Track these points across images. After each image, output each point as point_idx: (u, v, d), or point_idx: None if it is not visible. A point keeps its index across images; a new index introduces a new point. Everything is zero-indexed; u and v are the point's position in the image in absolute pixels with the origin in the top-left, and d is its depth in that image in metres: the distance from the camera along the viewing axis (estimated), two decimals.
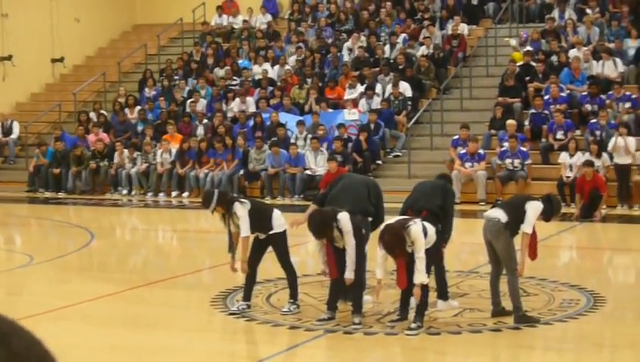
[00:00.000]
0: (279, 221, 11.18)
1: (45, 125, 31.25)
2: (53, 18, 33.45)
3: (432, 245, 10.15)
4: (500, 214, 10.42)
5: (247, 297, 11.22)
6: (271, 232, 11.05)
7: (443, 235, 11.04)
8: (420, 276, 9.84)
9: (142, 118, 28.61)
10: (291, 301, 11.09)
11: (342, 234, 10.33)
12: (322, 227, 10.34)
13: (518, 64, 26.20)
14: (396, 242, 9.87)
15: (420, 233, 9.90)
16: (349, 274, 10.33)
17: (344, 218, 10.32)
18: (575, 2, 29.15)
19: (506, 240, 10.38)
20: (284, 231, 11.18)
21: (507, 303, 10.56)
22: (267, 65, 29.71)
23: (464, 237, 18.21)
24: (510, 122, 23.37)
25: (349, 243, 10.31)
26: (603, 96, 24.05)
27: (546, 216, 10.65)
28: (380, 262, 10.14)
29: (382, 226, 10.38)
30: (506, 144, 22.93)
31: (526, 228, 10.37)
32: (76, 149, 27.24)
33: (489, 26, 30.09)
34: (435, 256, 10.52)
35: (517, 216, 10.39)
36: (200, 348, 9.89)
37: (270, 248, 11.25)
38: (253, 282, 11.28)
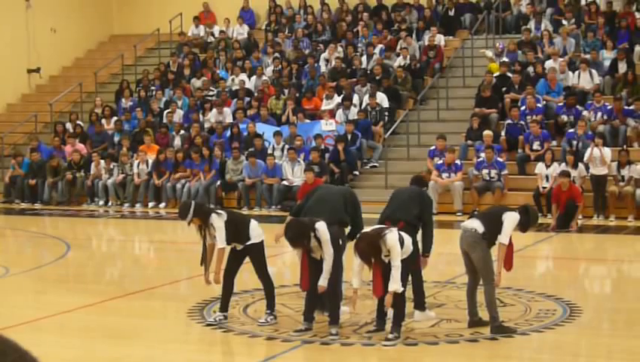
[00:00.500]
0: (256, 231, 11.17)
1: (21, 136, 31.13)
2: (30, 28, 33.34)
3: (408, 255, 10.17)
4: (476, 225, 10.45)
5: (224, 308, 11.20)
6: (248, 243, 11.04)
7: (424, 245, 11.08)
8: (395, 284, 9.86)
9: (118, 128, 28.55)
10: (268, 312, 11.09)
11: (320, 243, 10.33)
12: (299, 236, 10.34)
13: (494, 75, 26.31)
14: (372, 250, 9.89)
15: (397, 241, 9.92)
16: (323, 282, 10.31)
17: (322, 227, 10.33)
18: (551, 13, 29.31)
19: (482, 250, 10.41)
20: (262, 242, 11.17)
21: (484, 314, 10.59)
22: (243, 76, 29.71)
23: (441, 248, 18.21)
24: (487, 133, 23.45)
25: (328, 252, 10.31)
26: (580, 108, 24.17)
27: (523, 226, 10.69)
28: (356, 271, 10.15)
29: (358, 235, 10.40)
30: (482, 155, 23.01)
31: (503, 239, 10.40)
32: (52, 160, 27.14)
33: (465, 37, 30.19)
34: (411, 266, 10.55)
35: (494, 227, 10.42)
36: (177, 359, 9.87)
37: (247, 259, 11.24)
38: (230, 293, 11.26)
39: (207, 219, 10.96)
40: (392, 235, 9.95)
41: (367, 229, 10.29)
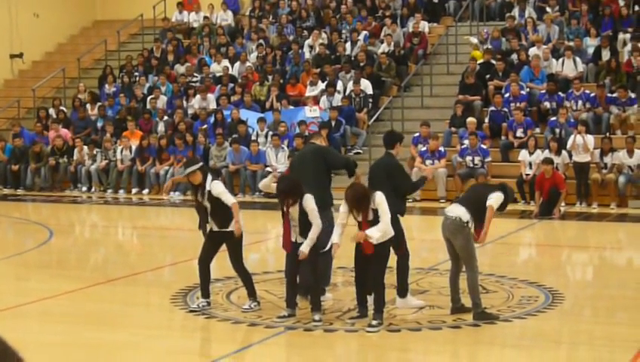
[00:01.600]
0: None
1: (4, 121, 31.03)
2: (12, 13, 33.20)
3: (391, 238, 10.20)
4: (461, 212, 10.43)
5: (205, 294, 11.18)
6: (228, 229, 10.99)
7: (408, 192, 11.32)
8: (375, 231, 9.89)
9: (102, 114, 28.46)
10: (251, 298, 11.08)
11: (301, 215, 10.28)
12: (292, 190, 10.31)
13: (478, 62, 26.32)
14: (360, 197, 9.94)
15: (384, 200, 10.00)
16: (304, 248, 10.28)
17: (309, 198, 10.31)
18: (535, 1, 29.35)
19: (464, 237, 10.41)
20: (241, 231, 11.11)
21: (466, 300, 10.61)
22: (226, 62, 29.64)
23: (424, 235, 18.28)
24: (470, 120, 23.48)
25: (315, 222, 10.26)
26: (562, 94, 24.22)
27: (502, 206, 10.69)
28: (339, 222, 10.17)
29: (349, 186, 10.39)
30: (466, 141, 23.03)
31: (491, 202, 10.40)
32: (35, 146, 27.05)
33: (450, 24, 30.20)
34: (397, 252, 10.62)
35: (479, 209, 10.42)
36: (160, 345, 9.86)
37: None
38: (208, 279, 11.22)
39: (205, 181, 10.92)
40: (380, 193, 10.05)
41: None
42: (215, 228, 11.05)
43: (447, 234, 10.53)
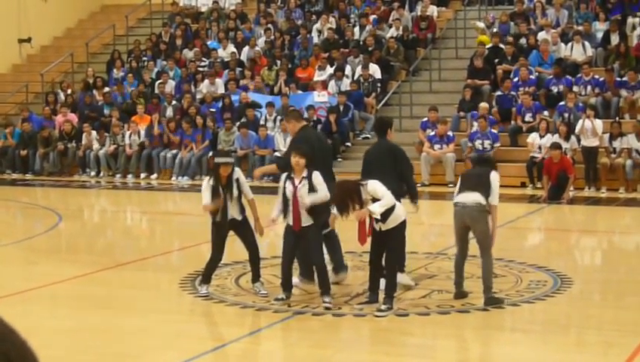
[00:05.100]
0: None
1: (12, 106, 31.03)
2: None
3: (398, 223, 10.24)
4: (478, 198, 10.41)
5: (206, 279, 11.24)
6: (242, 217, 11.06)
7: (411, 198, 11.23)
8: (376, 206, 9.94)
9: (108, 100, 28.38)
10: (262, 281, 11.16)
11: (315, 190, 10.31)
12: (308, 153, 10.39)
13: (487, 46, 26.25)
14: (350, 195, 9.96)
15: (378, 185, 10.02)
16: (307, 200, 10.30)
17: (316, 173, 10.37)
18: None
19: (485, 223, 10.45)
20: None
21: (470, 284, 10.66)
22: (232, 47, 29.59)
23: (433, 219, 18.28)
24: (483, 105, 23.45)
25: (323, 190, 10.30)
26: (571, 78, 24.15)
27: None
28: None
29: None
30: (475, 124, 22.98)
31: (494, 200, 10.45)
32: (44, 130, 27.07)
33: (458, 8, 30.12)
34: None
35: (487, 190, 10.47)
36: (168, 329, 9.88)
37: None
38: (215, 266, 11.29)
39: (232, 172, 10.96)
40: (371, 182, 10.07)
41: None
42: (218, 219, 11.03)
43: (467, 221, 10.45)
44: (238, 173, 11.14)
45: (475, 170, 10.76)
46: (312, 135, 11.94)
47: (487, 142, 22.60)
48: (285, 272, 10.66)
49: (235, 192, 10.97)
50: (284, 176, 10.55)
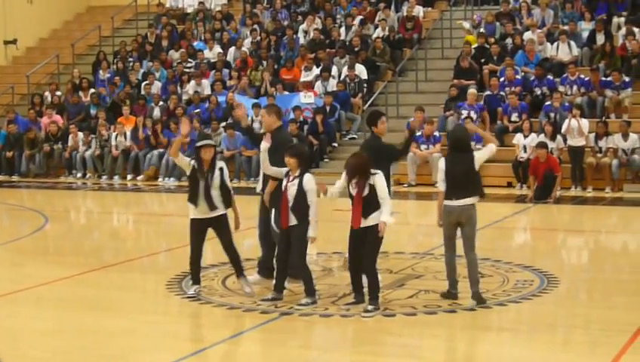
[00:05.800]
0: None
1: None
2: None
3: None
4: (470, 200, 10.47)
5: (196, 280, 11.22)
6: (220, 213, 11.07)
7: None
8: (385, 216, 10.09)
9: (94, 101, 28.32)
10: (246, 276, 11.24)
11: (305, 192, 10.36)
12: (299, 153, 10.54)
13: (473, 46, 26.28)
14: (362, 168, 10.14)
15: (384, 182, 10.20)
16: (312, 233, 10.40)
17: (309, 176, 10.39)
18: None
19: (476, 221, 10.58)
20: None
21: (462, 285, 10.65)
22: (218, 48, 29.55)
23: (419, 220, 18.29)
24: (471, 91, 23.68)
25: (313, 201, 10.36)
26: (556, 79, 24.20)
27: None
28: (336, 186, 10.50)
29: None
30: (464, 112, 23.11)
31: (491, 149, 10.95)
32: (30, 132, 27.02)
33: (444, 9, 30.14)
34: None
35: (477, 187, 10.59)
36: (155, 331, 9.86)
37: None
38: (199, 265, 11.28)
39: (214, 160, 11.01)
40: (380, 175, 10.23)
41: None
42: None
43: (463, 219, 10.49)
44: (222, 163, 11.20)
45: (459, 167, 10.67)
46: (289, 137, 12.13)
47: (472, 113, 22.85)
48: (280, 273, 10.69)
49: (217, 180, 10.97)
50: (284, 170, 10.68)
